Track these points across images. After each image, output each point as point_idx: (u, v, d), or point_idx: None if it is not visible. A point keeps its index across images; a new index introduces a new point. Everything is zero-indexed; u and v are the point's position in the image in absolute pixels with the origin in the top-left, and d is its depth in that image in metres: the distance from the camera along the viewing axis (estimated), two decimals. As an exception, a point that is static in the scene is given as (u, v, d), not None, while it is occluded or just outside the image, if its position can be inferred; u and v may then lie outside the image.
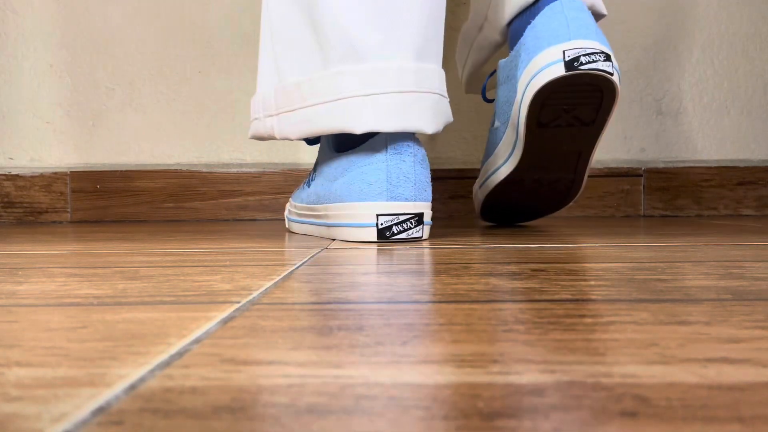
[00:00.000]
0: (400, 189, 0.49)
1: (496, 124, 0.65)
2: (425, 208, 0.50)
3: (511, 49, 0.61)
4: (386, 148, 0.49)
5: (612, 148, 0.98)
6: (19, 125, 0.98)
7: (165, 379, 0.14)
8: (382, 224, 0.49)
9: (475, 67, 0.74)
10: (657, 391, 0.13)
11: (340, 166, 0.53)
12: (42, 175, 0.97)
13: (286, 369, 0.15)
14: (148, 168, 0.98)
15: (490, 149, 0.68)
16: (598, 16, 0.62)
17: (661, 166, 0.98)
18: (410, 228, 0.49)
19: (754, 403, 0.13)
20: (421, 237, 0.50)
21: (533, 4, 0.59)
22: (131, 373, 0.15)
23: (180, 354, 0.16)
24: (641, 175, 0.97)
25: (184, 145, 0.99)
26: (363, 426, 0.12)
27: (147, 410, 0.12)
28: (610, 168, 0.97)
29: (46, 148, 0.98)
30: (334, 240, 0.53)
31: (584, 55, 0.52)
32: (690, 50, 0.98)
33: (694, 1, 0.98)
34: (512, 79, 0.58)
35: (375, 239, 0.49)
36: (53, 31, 0.97)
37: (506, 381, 0.14)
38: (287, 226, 0.69)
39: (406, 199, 0.49)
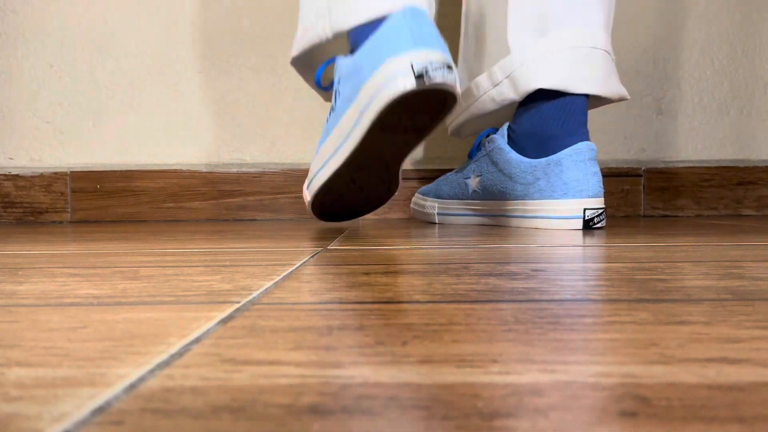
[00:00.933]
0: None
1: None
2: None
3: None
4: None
5: (612, 148, 0.98)
6: (19, 125, 0.98)
7: (165, 379, 0.14)
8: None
9: (472, 117, 0.78)
10: (657, 391, 0.13)
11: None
12: (42, 175, 0.97)
13: (286, 369, 0.15)
14: (148, 168, 0.98)
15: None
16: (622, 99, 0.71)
17: (661, 166, 0.98)
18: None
19: (754, 403, 0.13)
20: None
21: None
22: (131, 373, 0.15)
23: (180, 354, 0.16)
24: (641, 175, 0.97)
25: (184, 145, 0.99)
26: (363, 426, 0.12)
27: (147, 410, 0.12)
28: (610, 168, 0.97)
29: (47, 148, 0.98)
30: (334, 240, 0.53)
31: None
32: (690, 50, 0.98)
33: (695, 1, 0.98)
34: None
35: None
36: (53, 31, 0.97)
37: (506, 381, 0.14)
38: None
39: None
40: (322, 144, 0.64)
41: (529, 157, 0.67)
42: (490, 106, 0.74)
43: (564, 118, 0.67)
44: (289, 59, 0.69)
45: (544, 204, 0.65)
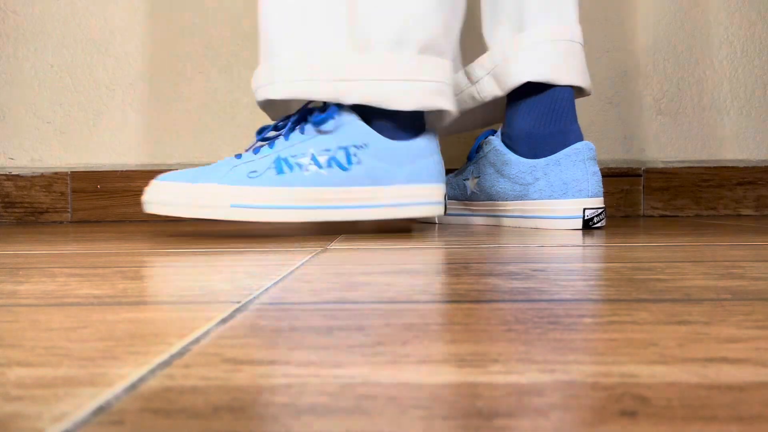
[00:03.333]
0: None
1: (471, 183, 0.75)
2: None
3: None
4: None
5: (612, 148, 0.98)
6: (19, 125, 0.98)
7: (165, 379, 0.14)
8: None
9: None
10: (657, 390, 0.13)
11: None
12: (42, 175, 0.97)
13: (286, 369, 0.15)
14: (149, 168, 0.98)
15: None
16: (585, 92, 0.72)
17: (661, 166, 0.98)
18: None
19: (754, 403, 0.13)
20: None
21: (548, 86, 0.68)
22: (131, 372, 0.15)
23: (180, 354, 0.16)
24: (641, 175, 0.97)
25: (184, 145, 0.99)
26: (363, 426, 0.12)
27: (147, 410, 0.12)
28: (609, 168, 0.97)
29: (47, 148, 0.98)
30: (334, 240, 0.53)
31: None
32: (690, 50, 0.98)
33: (694, 2, 0.98)
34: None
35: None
36: (53, 31, 0.97)
37: (506, 381, 0.14)
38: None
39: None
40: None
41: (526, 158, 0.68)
42: (468, 105, 0.75)
43: (555, 117, 0.67)
44: (259, 99, 0.61)
45: (544, 204, 0.65)
